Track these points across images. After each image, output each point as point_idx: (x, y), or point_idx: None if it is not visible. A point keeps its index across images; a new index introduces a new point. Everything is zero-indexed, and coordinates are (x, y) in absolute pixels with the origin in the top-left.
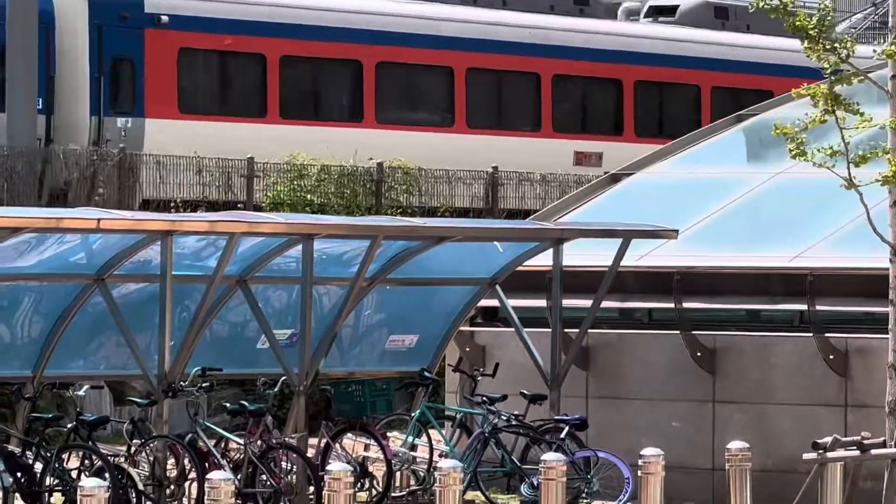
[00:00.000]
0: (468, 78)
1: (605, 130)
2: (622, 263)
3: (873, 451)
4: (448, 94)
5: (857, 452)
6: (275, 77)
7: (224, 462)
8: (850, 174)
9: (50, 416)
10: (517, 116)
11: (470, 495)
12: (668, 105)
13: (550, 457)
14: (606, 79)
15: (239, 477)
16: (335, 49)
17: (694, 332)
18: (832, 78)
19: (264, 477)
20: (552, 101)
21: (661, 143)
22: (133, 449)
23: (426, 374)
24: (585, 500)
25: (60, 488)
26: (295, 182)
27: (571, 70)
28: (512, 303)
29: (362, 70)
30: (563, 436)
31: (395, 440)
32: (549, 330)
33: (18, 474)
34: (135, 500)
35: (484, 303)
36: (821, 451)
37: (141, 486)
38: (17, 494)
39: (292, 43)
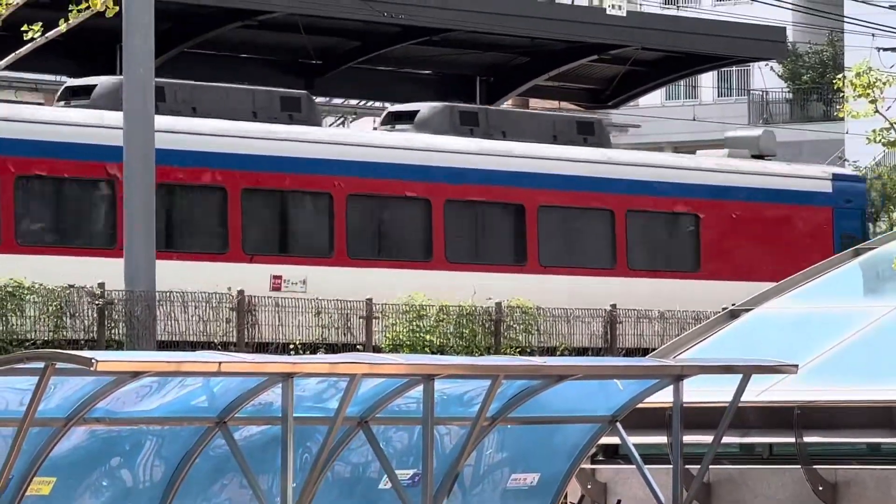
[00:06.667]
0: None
1: None
2: (742, 399)
3: None
4: None
5: None
6: None
7: None
8: None
9: None
10: None
11: None
12: None
13: None
14: None
15: None
16: None
17: (815, 467)
18: None
19: None
20: None
21: None
22: None
23: None
24: None
25: None
26: (414, 323)
27: None
28: (632, 440)
29: None
30: None
31: None
32: (671, 466)
33: None
34: None
35: (605, 440)
36: None
37: None
38: None
39: None
